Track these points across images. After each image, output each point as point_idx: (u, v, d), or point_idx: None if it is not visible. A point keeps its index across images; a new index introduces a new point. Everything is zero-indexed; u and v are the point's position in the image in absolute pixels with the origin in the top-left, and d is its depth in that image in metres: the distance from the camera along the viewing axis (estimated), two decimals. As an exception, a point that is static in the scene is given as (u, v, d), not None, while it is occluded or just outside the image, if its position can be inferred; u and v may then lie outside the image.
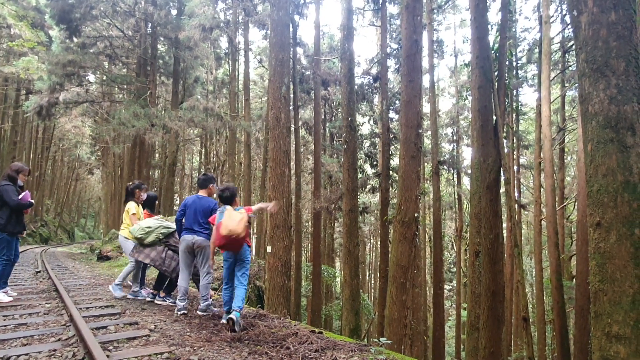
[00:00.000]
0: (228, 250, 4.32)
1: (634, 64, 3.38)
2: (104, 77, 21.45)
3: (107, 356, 3.12)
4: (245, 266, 4.39)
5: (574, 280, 14.29)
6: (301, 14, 17.00)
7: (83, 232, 46.06)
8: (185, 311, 4.78)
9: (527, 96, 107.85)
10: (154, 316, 4.63)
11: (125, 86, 22.13)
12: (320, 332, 4.10)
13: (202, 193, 4.94)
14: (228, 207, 4.38)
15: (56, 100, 17.78)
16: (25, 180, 5.87)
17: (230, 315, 4.03)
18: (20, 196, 5.50)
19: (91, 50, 18.96)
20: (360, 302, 13.75)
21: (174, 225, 5.40)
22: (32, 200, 5.72)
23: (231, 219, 4.12)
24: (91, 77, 22.50)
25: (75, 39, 18.17)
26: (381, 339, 3.87)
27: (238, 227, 4.06)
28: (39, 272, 9.27)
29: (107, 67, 23.11)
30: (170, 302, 5.46)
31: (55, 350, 3.36)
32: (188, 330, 4.05)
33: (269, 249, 9.63)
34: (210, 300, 4.92)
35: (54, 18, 16.86)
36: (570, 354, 12.54)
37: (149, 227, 5.40)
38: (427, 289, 25.21)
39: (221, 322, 4.32)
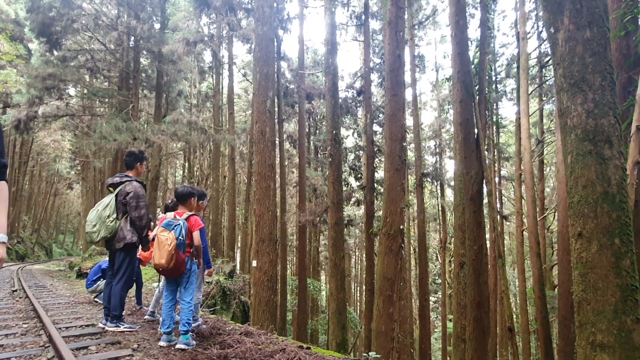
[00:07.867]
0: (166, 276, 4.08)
1: (609, 79, 3.51)
2: (85, 91, 21.13)
3: (89, 378, 3.01)
4: (188, 287, 4.03)
5: (556, 289, 14.49)
6: (285, 28, 17.18)
7: (61, 249, 44.75)
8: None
9: (507, 109, 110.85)
10: (136, 335, 4.50)
11: (107, 100, 21.83)
12: (309, 348, 4.05)
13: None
14: (168, 216, 4.03)
15: (35, 114, 17.41)
16: None
17: (179, 346, 3.81)
18: None
19: (72, 64, 18.68)
20: (347, 316, 13.67)
21: None
22: None
23: (158, 248, 3.82)
24: (72, 91, 22.14)
25: (55, 52, 17.92)
26: (370, 353, 3.84)
27: (161, 259, 3.76)
28: (15, 290, 8.95)
29: (88, 80, 22.80)
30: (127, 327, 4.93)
31: (33, 373, 3.24)
32: (172, 349, 3.95)
33: (254, 263, 9.53)
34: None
35: (34, 31, 16.63)
36: (554, 363, 12.65)
37: None
38: (413, 301, 25.23)
39: (159, 344, 3.99)
